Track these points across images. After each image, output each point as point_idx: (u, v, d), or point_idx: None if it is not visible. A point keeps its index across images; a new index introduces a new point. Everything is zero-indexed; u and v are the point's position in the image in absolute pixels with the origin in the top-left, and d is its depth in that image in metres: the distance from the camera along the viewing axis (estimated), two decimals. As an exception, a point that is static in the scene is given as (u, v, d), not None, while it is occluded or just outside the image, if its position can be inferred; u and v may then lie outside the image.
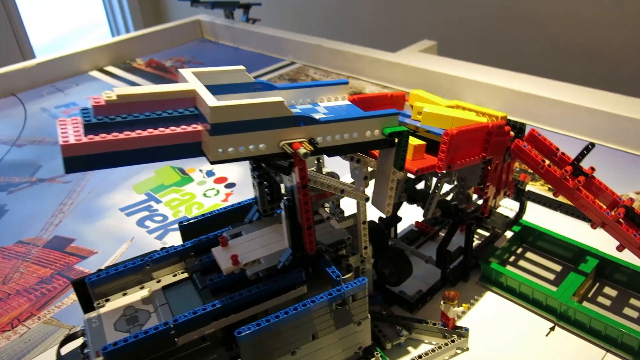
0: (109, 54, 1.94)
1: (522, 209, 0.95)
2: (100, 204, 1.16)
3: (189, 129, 0.53)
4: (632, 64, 1.74)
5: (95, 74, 1.93)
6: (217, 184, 1.20)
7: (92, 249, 1.02)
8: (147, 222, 1.09)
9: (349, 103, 0.67)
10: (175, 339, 0.58)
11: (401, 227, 0.99)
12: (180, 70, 0.59)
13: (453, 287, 0.85)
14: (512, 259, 0.90)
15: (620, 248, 0.72)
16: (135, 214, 1.12)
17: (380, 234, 0.83)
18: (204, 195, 1.16)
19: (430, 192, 0.80)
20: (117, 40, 2.00)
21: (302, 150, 0.53)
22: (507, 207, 1.02)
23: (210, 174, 1.24)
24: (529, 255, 0.90)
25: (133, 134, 0.50)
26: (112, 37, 2.79)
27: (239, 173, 1.24)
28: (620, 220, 0.70)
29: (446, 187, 0.87)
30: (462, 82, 1.44)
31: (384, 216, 0.89)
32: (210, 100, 0.51)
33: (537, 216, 1.00)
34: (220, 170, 1.25)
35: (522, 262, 0.89)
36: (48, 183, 1.27)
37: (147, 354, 0.56)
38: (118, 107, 0.51)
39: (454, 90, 1.46)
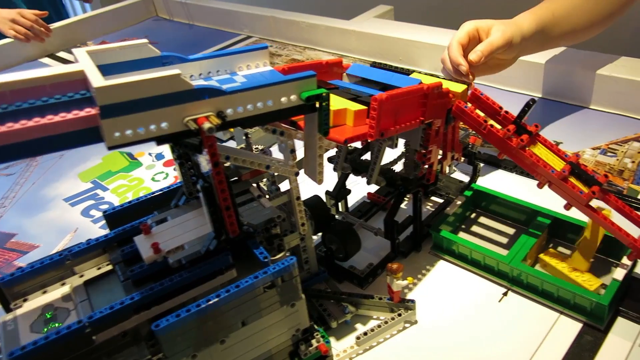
0: (57, 38, 1.86)
1: (475, 173, 0.91)
2: (44, 195, 1.11)
3: (82, 113, 0.48)
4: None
5: (46, 60, 1.86)
6: (167, 167, 1.15)
7: (34, 243, 0.98)
8: (93, 212, 1.04)
9: (271, 69, 0.63)
10: (93, 337, 0.54)
11: (354, 199, 0.96)
12: (74, 50, 0.54)
13: (405, 258, 0.82)
14: (464, 225, 0.87)
15: (567, 207, 0.69)
16: (80, 203, 1.07)
17: (323, 208, 0.79)
18: (153, 179, 1.12)
19: (373, 154, 0.76)
20: (66, 23, 1.92)
21: (206, 125, 0.49)
22: (463, 171, 0.99)
23: (159, 157, 1.20)
24: (482, 220, 0.87)
25: (17, 126, 0.46)
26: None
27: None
28: (566, 177, 0.67)
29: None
30: (419, 47, 1.39)
31: (330, 189, 0.86)
32: (96, 80, 0.46)
33: (494, 179, 0.96)
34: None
35: (475, 228, 0.86)
36: (-9, 177, 1.22)
37: (61, 355, 0.53)
38: (-4, 98, 0.46)
39: (412, 55, 1.41)
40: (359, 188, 0.96)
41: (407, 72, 0.78)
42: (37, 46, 1.83)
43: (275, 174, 0.67)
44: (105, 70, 0.54)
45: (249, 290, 0.56)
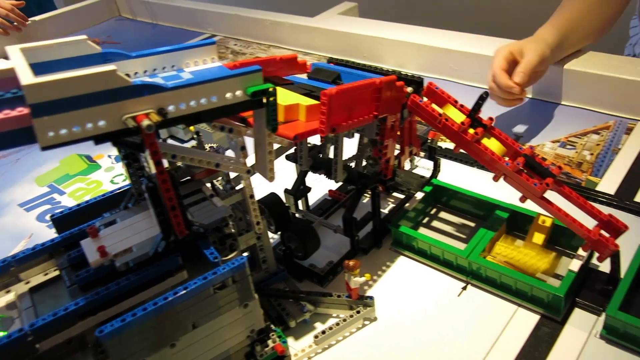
0: (15, 39, 1.81)
1: (435, 168, 0.91)
2: (-2, 201, 1.08)
3: (14, 113, 0.46)
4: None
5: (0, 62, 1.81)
6: (127, 169, 1.13)
7: (-13, 250, 0.95)
8: (49, 216, 1.01)
9: (220, 65, 0.61)
10: (36, 346, 0.52)
11: (316, 196, 0.94)
12: (7, 47, 0.52)
13: (366, 254, 0.82)
14: (425, 220, 0.86)
15: (522, 199, 0.69)
16: (35, 208, 1.05)
17: (280, 206, 0.78)
18: (112, 181, 1.10)
19: (334, 150, 0.76)
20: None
21: (145, 123, 0.47)
22: (425, 167, 0.98)
23: (119, 159, 1.16)
24: (442, 215, 0.87)
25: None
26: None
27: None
28: (520, 170, 0.67)
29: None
30: (383, 43, 1.39)
31: (289, 187, 0.85)
32: (25, 77, 0.44)
33: (456, 174, 0.96)
34: (130, 153, 1.17)
35: (435, 223, 0.85)
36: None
37: (2, 366, 0.51)
38: None
39: (376, 52, 1.41)
40: (321, 185, 0.95)
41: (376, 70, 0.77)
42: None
43: (231, 173, 0.66)
44: (42, 68, 0.52)
45: (198, 291, 0.55)
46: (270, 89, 0.55)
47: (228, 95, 0.53)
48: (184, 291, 0.54)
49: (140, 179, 0.64)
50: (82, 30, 2.00)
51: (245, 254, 0.76)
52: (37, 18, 1.92)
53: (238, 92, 0.54)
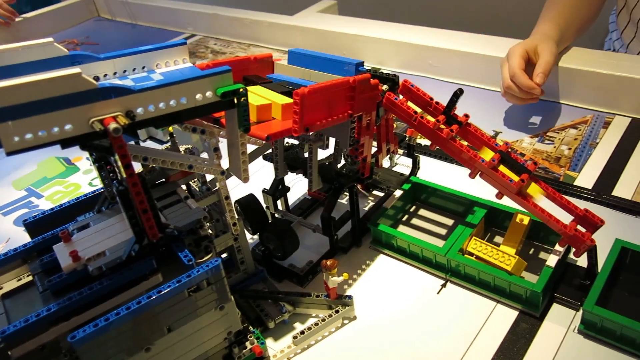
0: (2, 39, 1.79)
1: (414, 166, 0.91)
2: (-25, 206, 1.06)
3: (-21, 117, 0.45)
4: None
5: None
6: (106, 171, 1.12)
7: (-37, 256, 0.93)
8: (37, 213, 1.00)
9: (191, 66, 0.61)
10: (8, 352, 0.51)
11: (295, 196, 0.94)
12: (-31, 50, 0.51)
13: (345, 253, 0.81)
14: (404, 218, 0.86)
15: (499, 195, 0.69)
16: (12, 212, 1.03)
17: (257, 207, 0.77)
18: (90, 184, 1.08)
19: (308, 161, 0.75)
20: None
21: (112, 126, 0.47)
22: (405, 164, 0.98)
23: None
24: (421, 212, 0.87)
25: None
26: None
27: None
28: (496, 166, 0.67)
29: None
30: (363, 41, 1.39)
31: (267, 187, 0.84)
32: (-12, 81, 0.43)
33: (435, 171, 0.96)
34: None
35: (415, 221, 0.85)
36: None
37: (-29, 375, 0.50)
38: None
39: (356, 49, 1.40)
40: (301, 184, 0.95)
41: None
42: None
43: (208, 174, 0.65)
44: (7, 72, 0.51)
45: (172, 295, 0.54)
46: (241, 89, 0.54)
47: (198, 96, 0.53)
48: (158, 295, 0.53)
49: (114, 182, 0.63)
50: (61, 31, 1.98)
51: (223, 255, 0.76)
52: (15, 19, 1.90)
53: (208, 93, 0.53)
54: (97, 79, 0.57)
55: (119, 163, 0.51)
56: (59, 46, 0.54)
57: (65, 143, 0.48)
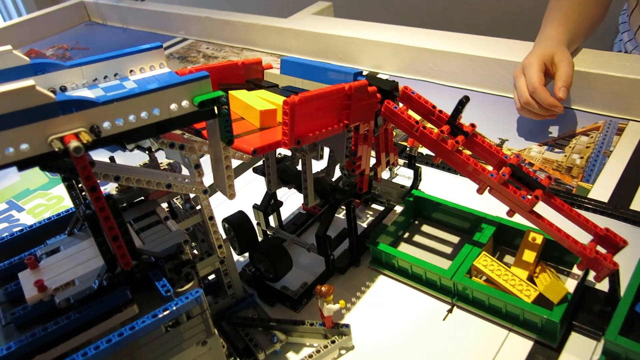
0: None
1: (416, 177, 0.85)
2: (-50, 221, 1.00)
3: None
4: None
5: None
6: (90, 183, 1.06)
7: None
8: (6, 235, 0.94)
9: (169, 72, 0.54)
10: (-40, 399, 0.45)
11: (289, 210, 0.88)
12: None
13: (343, 274, 0.75)
14: (406, 235, 0.80)
15: (510, 213, 0.63)
16: (-9, 227, 0.97)
17: (247, 225, 0.71)
18: (73, 198, 1.02)
19: (302, 173, 0.69)
20: (-12, 32, 1.80)
21: (73, 144, 0.41)
22: (405, 175, 0.92)
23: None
24: (424, 228, 0.81)
25: None
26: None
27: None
28: (506, 181, 0.61)
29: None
30: (360, 44, 1.33)
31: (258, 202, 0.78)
32: None
33: (439, 182, 0.90)
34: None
35: (417, 238, 0.79)
36: None
37: None
38: None
39: (352, 53, 1.35)
40: (294, 198, 0.89)
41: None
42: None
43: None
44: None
45: (148, 331, 0.48)
46: (222, 97, 0.48)
47: (173, 106, 0.47)
48: (131, 332, 0.47)
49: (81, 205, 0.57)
50: (51, 36, 1.92)
51: (211, 276, 0.70)
52: (2, 25, 1.84)
53: (184, 103, 0.47)
54: (64, 89, 0.51)
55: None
56: (19, 54, 0.48)
57: (22, 165, 0.42)
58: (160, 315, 0.48)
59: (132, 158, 0.66)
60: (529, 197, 0.60)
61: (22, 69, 0.49)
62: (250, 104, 0.60)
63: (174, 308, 0.49)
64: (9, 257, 0.60)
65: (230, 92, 0.64)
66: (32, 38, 1.88)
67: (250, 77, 0.72)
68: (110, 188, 0.60)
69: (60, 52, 1.76)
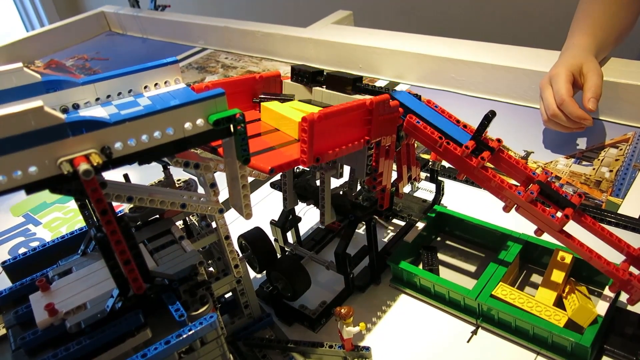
0: (1, 59, 1.75)
1: (438, 192, 0.83)
2: (-32, 234, 1.00)
3: None
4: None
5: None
6: (108, 196, 1.05)
7: (-48, 290, 0.87)
8: (23, 250, 0.94)
9: (184, 87, 0.53)
10: None
11: (307, 225, 0.86)
12: None
13: (363, 292, 0.73)
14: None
15: (538, 232, 0.60)
16: (8, 241, 0.97)
17: (265, 242, 0.70)
18: (90, 211, 1.01)
19: (320, 191, 0.67)
20: (10, 42, 1.81)
21: (83, 167, 0.39)
22: (427, 189, 0.90)
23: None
24: (448, 245, 0.78)
25: None
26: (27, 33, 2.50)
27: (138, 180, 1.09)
28: (535, 200, 0.58)
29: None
30: (380, 53, 1.31)
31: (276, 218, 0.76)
32: None
33: (462, 197, 0.87)
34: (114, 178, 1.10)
35: (440, 255, 0.77)
36: None
37: None
38: None
39: (372, 62, 1.32)
40: (313, 212, 0.87)
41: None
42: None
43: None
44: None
45: (160, 359, 0.47)
46: (237, 115, 0.46)
47: (187, 125, 0.45)
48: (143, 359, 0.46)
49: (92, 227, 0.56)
50: (71, 47, 1.93)
51: (228, 295, 0.68)
52: (23, 36, 1.86)
53: (199, 121, 0.46)
54: (76, 106, 0.50)
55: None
56: (30, 72, 0.47)
57: (30, 188, 0.40)
58: (173, 342, 0.47)
59: (149, 171, 0.65)
60: (559, 215, 0.57)
61: (33, 87, 0.48)
62: (287, 114, 0.59)
63: (188, 334, 0.47)
64: (22, 277, 0.59)
65: (262, 104, 0.64)
66: (53, 48, 1.89)
67: (270, 90, 0.71)
68: (125, 206, 0.58)
69: (81, 62, 1.76)
